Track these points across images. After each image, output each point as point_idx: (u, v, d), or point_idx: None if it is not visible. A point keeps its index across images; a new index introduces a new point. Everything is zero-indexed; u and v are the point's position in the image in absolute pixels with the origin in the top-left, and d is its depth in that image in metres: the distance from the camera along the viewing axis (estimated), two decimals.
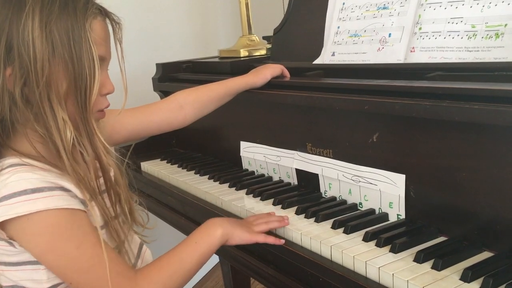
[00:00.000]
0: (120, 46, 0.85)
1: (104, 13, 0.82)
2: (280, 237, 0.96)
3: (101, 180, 0.85)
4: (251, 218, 0.99)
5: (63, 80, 0.76)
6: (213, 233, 0.89)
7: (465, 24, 0.97)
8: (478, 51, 0.94)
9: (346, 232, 0.92)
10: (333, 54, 1.22)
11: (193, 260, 0.85)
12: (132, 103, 1.00)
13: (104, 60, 0.82)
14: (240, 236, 0.91)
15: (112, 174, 0.85)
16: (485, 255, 0.81)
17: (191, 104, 1.16)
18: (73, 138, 0.77)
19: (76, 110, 0.77)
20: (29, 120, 0.76)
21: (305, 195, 1.13)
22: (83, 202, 0.78)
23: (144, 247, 0.95)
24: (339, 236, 0.91)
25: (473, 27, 0.95)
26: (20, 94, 0.74)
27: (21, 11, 0.73)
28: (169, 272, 0.82)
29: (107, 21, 0.82)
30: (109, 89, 0.84)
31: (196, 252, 0.86)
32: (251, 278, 1.80)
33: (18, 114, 0.76)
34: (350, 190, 1.05)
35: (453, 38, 0.98)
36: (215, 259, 2.00)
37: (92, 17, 0.78)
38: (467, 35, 0.96)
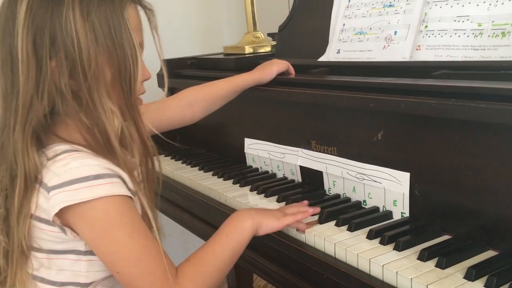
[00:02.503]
0: (157, 34, 0.84)
1: (137, 0, 0.82)
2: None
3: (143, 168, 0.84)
4: (282, 209, 0.98)
5: (108, 70, 0.76)
6: (243, 225, 0.87)
7: (471, 22, 0.96)
8: (484, 49, 0.93)
9: (350, 229, 0.92)
10: (338, 52, 1.22)
11: (226, 253, 0.84)
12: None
13: (140, 46, 0.82)
14: (269, 225, 0.90)
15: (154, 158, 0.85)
16: (490, 253, 0.80)
17: (199, 102, 1.18)
18: (120, 126, 0.77)
19: (122, 98, 0.78)
20: (76, 111, 0.76)
21: (309, 192, 1.13)
22: (132, 193, 0.78)
23: None
24: (343, 233, 0.92)
25: (480, 25, 0.95)
26: (67, 85, 0.74)
27: (61, 3, 0.73)
28: (206, 268, 0.82)
29: (139, 8, 0.82)
30: (147, 75, 0.84)
31: (229, 246, 0.85)
32: (253, 274, 1.80)
33: (65, 106, 0.76)
34: (354, 187, 1.05)
35: (459, 36, 0.98)
36: None
37: (128, 4, 0.78)
38: (473, 33, 0.96)
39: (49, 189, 0.74)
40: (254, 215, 0.90)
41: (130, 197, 0.77)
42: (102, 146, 0.77)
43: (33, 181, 0.76)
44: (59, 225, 0.76)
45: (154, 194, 0.86)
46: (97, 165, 0.74)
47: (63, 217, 0.75)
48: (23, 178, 0.75)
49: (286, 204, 1.08)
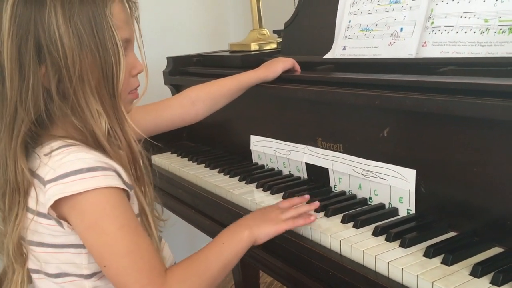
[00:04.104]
0: (138, 26, 0.85)
1: None
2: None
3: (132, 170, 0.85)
4: (282, 205, 0.96)
5: (93, 71, 0.76)
6: (240, 235, 0.86)
7: (478, 18, 0.96)
8: (491, 45, 0.93)
9: (355, 226, 0.92)
10: (344, 49, 1.21)
11: (219, 261, 0.83)
12: (143, 97, 1.00)
13: (129, 41, 0.82)
14: (267, 232, 0.88)
15: (141, 163, 0.86)
16: (496, 250, 0.80)
17: (202, 100, 1.18)
18: (107, 128, 0.78)
19: (106, 99, 0.78)
20: (67, 115, 0.77)
21: (315, 189, 1.14)
22: (128, 187, 0.79)
23: (163, 240, 0.95)
24: (348, 230, 0.92)
25: (486, 21, 0.94)
26: (56, 90, 0.76)
27: (43, 8, 0.73)
28: (196, 272, 0.81)
29: (124, 2, 0.82)
30: (139, 68, 0.85)
31: (223, 253, 0.84)
32: (259, 271, 1.81)
33: (56, 110, 0.77)
34: (360, 184, 1.05)
35: (465, 32, 0.97)
36: None
37: (110, 1, 0.78)
38: (480, 29, 0.95)
39: (45, 183, 0.75)
40: (252, 225, 0.88)
41: (125, 190, 0.78)
42: (93, 145, 0.78)
43: (21, 192, 0.78)
44: (55, 218, 0.77)
45: (148, 194, 0.86)
46: (91, 158, 0.75)
47: (59, 210, 0.76)
48: (12, 189, 0.78)
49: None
